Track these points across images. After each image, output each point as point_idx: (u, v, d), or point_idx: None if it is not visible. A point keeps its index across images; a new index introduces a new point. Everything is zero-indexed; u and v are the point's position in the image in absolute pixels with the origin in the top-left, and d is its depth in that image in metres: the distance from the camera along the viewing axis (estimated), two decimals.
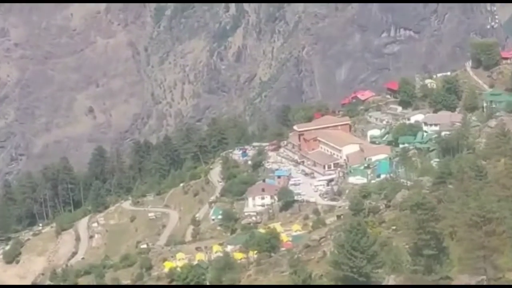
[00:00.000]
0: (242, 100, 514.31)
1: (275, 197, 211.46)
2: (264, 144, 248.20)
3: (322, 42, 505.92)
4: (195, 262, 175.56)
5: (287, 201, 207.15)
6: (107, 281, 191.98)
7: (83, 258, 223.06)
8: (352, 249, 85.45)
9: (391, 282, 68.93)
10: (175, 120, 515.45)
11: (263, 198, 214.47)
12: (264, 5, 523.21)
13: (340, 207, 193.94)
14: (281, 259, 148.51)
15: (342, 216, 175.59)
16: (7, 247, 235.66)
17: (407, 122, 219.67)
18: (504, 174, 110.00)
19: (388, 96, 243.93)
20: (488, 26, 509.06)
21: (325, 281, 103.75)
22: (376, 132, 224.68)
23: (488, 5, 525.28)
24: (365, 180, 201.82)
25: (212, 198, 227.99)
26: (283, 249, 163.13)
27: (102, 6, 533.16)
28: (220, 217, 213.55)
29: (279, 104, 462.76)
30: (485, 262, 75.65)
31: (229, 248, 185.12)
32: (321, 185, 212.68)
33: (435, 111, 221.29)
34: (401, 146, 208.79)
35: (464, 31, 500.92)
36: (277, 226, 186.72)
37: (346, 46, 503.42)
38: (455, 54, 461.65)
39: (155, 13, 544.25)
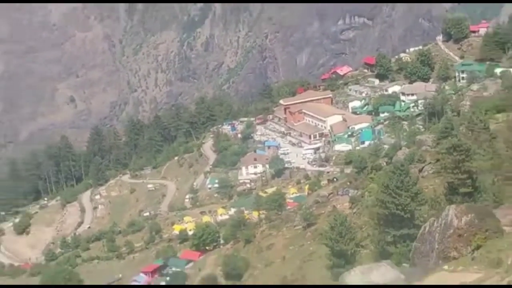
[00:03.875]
0: (212, 86, 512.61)
1: (267, 166, 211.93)
2: (251, 119, 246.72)
3: (283, 30, 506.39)
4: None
5: (278, 169, 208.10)
6: (119, 244, 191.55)
7: (89, 227, 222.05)
8: (397, 188, 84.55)
9: (452, 213, 67.43)
10: (150, 106, 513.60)
11: (255, 167, 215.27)
12: None
13: (328, 172, 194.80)
14: (292, 215, 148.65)
15: (334, 179, 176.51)
16: (17, 220, 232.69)
17: (385, 93, 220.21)
18: (505, 129, 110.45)
19: (366, 71, 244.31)
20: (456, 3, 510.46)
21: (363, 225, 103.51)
22: (356, 103, 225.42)
23: None
24: (350, 147, 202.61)
25: (207, 169, 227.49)
26: (288, 207, 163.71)
27: (79, 2, 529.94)
28: (216, 185, 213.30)
29: (246, 89, 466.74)
30: None
31: (232, 210, 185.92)
32: (308, 153, 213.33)
33: (411, 82, 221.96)
34: (381, 115, 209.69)
35: (413, 16, 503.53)
36: (274, 190, 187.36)
37: (305, 33, 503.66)
38: (405, 38, 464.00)
39: (128, 7, 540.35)
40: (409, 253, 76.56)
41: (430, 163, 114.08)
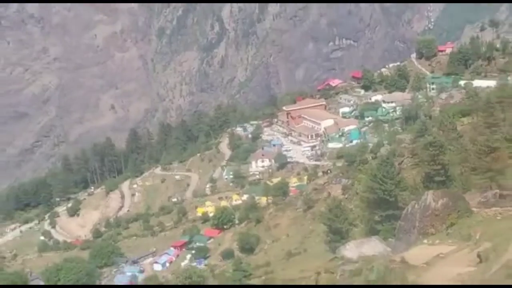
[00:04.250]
0: (226, 96, 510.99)
1: (273, 160, 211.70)
2: (259, 122, 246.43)
3: (284, 51, 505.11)
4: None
5: (282, 163, 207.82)
6: (153, 224, 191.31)
7: (128, 210, 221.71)
8: (383, 177, 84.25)
9: (430, 197, 67.07)
10: (176, 113, 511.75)
11: (263, 161, 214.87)
12: (240, 23, 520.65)
13: (323, 165, 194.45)
14: (294, 200, 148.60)
15: (328, 171, 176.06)
16: (69, 205, 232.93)
17: (369, 101, 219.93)
18: (470, 129, 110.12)
19: (353, 83, 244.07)
20: (426, 28, 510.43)
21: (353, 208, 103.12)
22: (346, 109, 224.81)
23: (407, 17, 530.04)
24: (340, 145, 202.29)
25: (223, 163, 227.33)
26: (291, 194, 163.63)
27: (118, 27, 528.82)
28: (231, 176, 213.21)
29: (254, 98, 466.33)
30: (491, 181, 74.67)
31: (244, 196, 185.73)
32: (306, 150, 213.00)
33: (390, 92, 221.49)
34: (366, 118, 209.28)
35: (390, 39, 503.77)
36: (279, 180, 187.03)
37: (302, 53, 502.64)
38: (384, 57, 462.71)
39: (158, 32, 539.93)
40: (394, 231, 76.19)
41: (408, 157, 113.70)
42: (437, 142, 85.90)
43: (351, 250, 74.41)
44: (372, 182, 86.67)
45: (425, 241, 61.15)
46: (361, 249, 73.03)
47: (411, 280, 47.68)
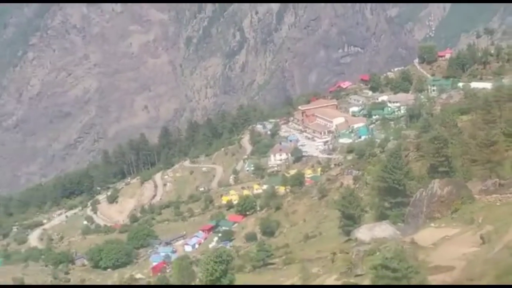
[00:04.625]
0: (246, 97, 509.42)
1: (289, 154, 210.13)
2: (277, 120, 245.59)
3: (298, 57, 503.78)
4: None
5: (298, 156, 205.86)
6: (183, 210, 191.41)
7: (160, 199, 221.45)
8: (393, 167, 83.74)
9: (436, 186, 66.50)
10: (201, 112, 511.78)
11: (280, 155, 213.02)
12: (259, 32, 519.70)
13: (335, 158, 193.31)
14: (310, 189, 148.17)
15: (340, 163, 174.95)
16: (109, 193, 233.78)
17: (376, 101, 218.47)
18: (469, 125, 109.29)
19: (362, 85, 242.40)
20: (427, 36, 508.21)
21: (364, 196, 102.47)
22: (355, 108, 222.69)
23: (409, 27, 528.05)
24: (350, 140, 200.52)
25: (245, 156, 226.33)
26: (307, 184, 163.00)
27: (151, 37, 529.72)
28: (252, 168, 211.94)
29: (271, 99, 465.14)
30: (491, 172, 74.12)
31: (264, 186, 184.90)
32: (320, 145, 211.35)
33: (395, 93, 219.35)
34: (373, 117, 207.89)
35: (393, 46, 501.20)
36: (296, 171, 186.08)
37: (315, 59, 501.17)
38: (388, 62, 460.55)
39: (186, 41, 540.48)
40: (402, 216, 75.71)
41: (413, 151, 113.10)
42: (441, 137, 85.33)
43: (364, 233, 74.01)
44: (383, 172, 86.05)
45: (432, 224, 60.73)
46: (373, 232, 72.59)
47: (421, 259, 47.35)
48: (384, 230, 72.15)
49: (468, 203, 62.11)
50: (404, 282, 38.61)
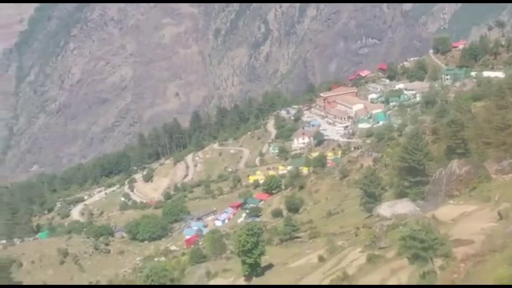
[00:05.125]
0: (270, 85, 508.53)
1: (311, 138, 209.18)
2: (300, 106, 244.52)
3: (319, 48, 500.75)
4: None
5: (319, 140, 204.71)
6: (213, 189, 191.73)
7: (192, 178, 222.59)
8: (413, 149, 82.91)
9: (455, 165, 65.75)
10: (228, 99, 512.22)
11: (303, 139, 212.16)
12: (283, 24, 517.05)
13: (354, 142, 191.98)
14: (332, 170, 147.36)
15: (359, 146, 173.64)
16: (144, 172, 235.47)
17: (393, 89, 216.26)
18: (483, 111, 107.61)
19: (380, 73, 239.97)
20: (442, 28, 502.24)
21: (383, 176, 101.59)
22: (373, 95, 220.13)
23: (423, 20, 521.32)
24: (369, 125, 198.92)
25: (270, 140, 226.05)
26: (328, 165, 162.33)
27: (182, 29, 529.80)
28: (277, 151, 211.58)
29: (293, 87, 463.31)
30: (506, 153, 73.04)
31: (288, 167, 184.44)
32: (340, 129, 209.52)
33: (411, 81, 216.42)
34: (391, 103, 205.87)
35: (408, 38, 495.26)
36: (318, 154, 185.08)
37: (334, 49, 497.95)
38: (403, 53, 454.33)
39: (215, 32, 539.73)
40: (421, 194, 75.10)
41: (429, 134, 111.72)
42: (458, 120, 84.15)
43: (385, 209, 73.62)
44: (404, 153, 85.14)
45: (451, 202, 60.17)
46: (394, 208, 72.17)
47: (443, 233, 46.89)
48: (405, 206, 71.69)
49: (485, 182, 61.50)
50: (430, 253, 38.49)
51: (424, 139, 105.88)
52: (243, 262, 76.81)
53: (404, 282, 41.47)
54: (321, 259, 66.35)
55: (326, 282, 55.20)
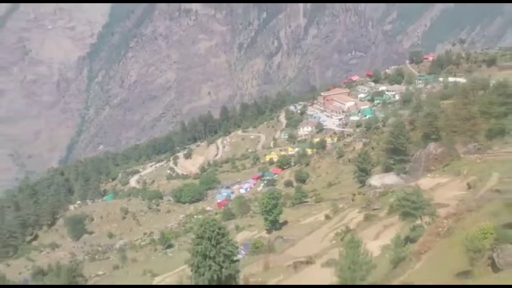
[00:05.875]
0: (281, 87, 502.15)
1: (314, 127, 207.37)
2: (305, 102, 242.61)
3: (319, 59, 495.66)
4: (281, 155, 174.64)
5: (320, 129, 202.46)
6: (237, 165, 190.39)
7: (221, 156, 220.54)
8: (398, 134, 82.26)
9: (432, 147, 64.65)
10: (248, 98, 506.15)
11: (307, 128, 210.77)
12: (291, 40, 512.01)
13: (347, 131, 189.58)
14: (330, 151, 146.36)
15: (351, 135, 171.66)
16: (185, 151, 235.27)
17: (378, 90, 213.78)
18: (450, 107, 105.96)
19: (367, 78, 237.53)
20: (415, 43, 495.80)
21: (372, 155, 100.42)
22: (362, 95, 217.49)
23: (399, 38, 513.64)
24: (358, 118, 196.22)
25: (281, 128, 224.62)
26: (328, 148, 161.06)
27: (214, 42, 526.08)
28: (287, 136, 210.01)
29: (299, 89, 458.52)
30: (471, 138, 71.89)
31: (296, 149, 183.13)
32: (336, 121, 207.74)
33: (391, 85, 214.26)
34: (375, 101, 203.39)
35: (387, 52, 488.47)
36: (319, 139, 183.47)
37: (331, 60, 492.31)
38: (384, 64, 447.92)
39: (238, 46, 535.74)
40: (404, 169, 74.31)
41: (407, 124, 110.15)
42: (433, 113, 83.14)
43: (376, 180, 72.96)
44: (390, 138, 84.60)
45: (429, 175, 59.56)
46: (383, 180, 71.48)
47: (425, 197, 46.12)
48: (391, 178, 70.99)
49: (455, 160, 60.75)
50: (419, 212, 37.86)
51: (405, 127, 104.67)
52: (265, 219, 76.88)
53: (395, 233, 40.84)
54: (327, 217, 66.08)
55: (332, 234, 54.90)
